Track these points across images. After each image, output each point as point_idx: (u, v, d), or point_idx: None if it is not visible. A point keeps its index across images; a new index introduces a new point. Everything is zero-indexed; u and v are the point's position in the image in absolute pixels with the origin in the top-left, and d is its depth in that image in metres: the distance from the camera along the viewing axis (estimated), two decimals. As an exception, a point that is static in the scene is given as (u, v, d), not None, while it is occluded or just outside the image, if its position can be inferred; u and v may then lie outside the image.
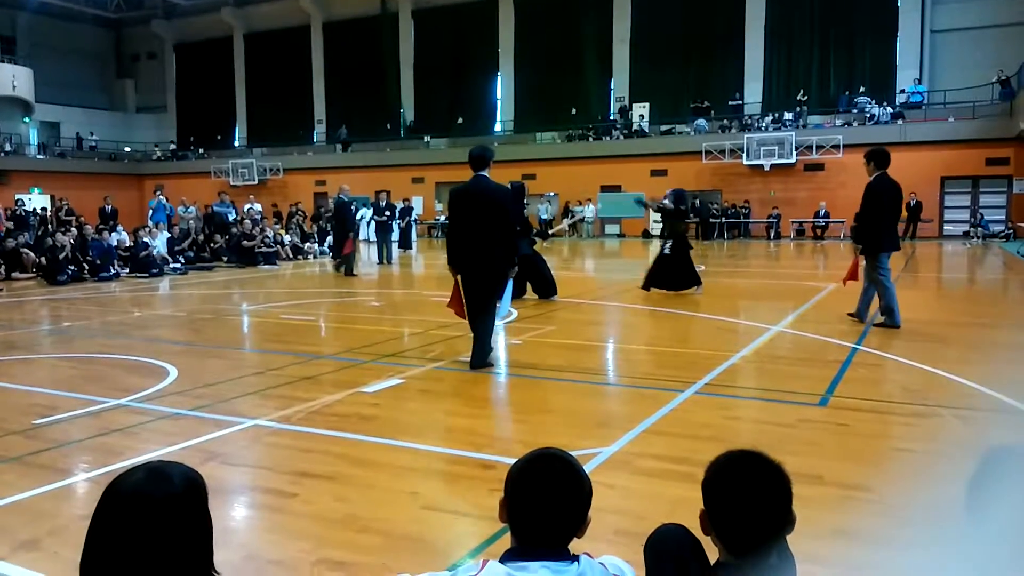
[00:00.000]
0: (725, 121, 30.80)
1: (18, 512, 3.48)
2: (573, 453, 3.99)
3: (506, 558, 1.72)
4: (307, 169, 37.07)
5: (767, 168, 28.67)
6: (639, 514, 3.33)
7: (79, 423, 4.92)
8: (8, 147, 35.90)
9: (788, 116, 29.62)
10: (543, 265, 11.22)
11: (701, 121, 30.83)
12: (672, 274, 11.44)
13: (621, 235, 31.19)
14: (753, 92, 31.15)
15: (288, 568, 2.92)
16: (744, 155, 28.60)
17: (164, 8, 41.81)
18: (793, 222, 28.40)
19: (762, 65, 30.92)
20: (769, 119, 30.04)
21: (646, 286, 11.34)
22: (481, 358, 6.29)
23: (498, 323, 7.09)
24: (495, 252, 6.26)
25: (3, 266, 16.03)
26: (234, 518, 3.46)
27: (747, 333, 8.11)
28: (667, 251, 11.47)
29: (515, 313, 6.66)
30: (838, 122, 28.81)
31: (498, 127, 36.29)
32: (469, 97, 36.46)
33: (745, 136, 28.75)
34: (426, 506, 3.50)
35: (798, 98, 29.87)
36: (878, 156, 8.08)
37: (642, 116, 32.18)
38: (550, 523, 1.72)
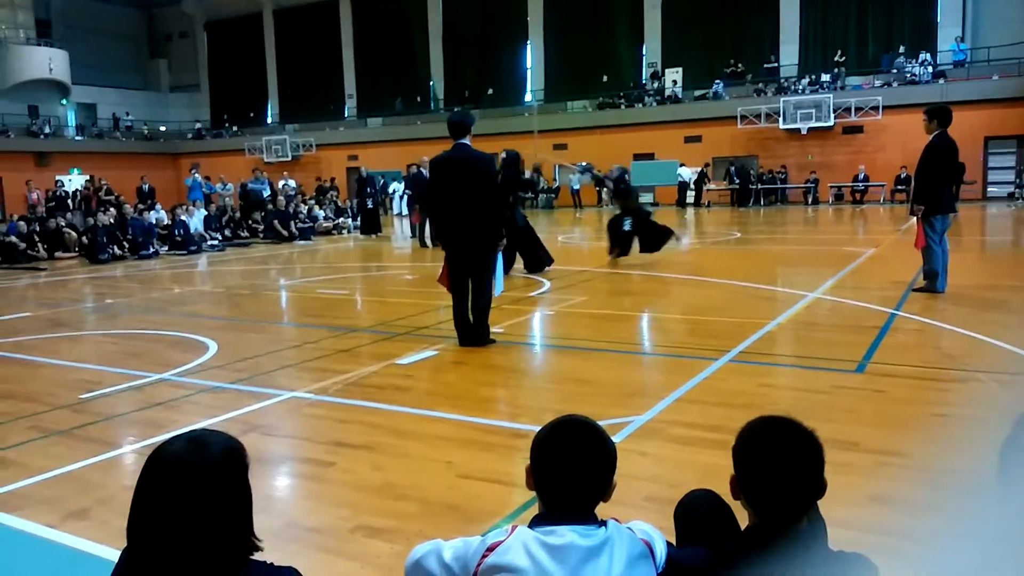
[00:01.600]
0: (760, 85, 30.20)
1: (67, 483, 3.60)
2: (606, 422, 4.02)
3: (534, 523, 1.75)
4: (339, 144, 37.22)
5: (804, 132, 28.12)
6: (670, 481, 3.34)
7: (124, 397, 5.06)
8: (47, 129, 36.55)
9: (825, 78, 28.95)
10: (534, 238, 10.85)
11: (719, 83, 30.29)
12: (642, 239, 11.52)
13: (655, 204, 30.86)
14: (789, 54, 30.48)
15: (327, 534, 2.99)
16: (780, 119, 28.07)
17: (195, -13, 42.01)
18: (831, 186, 27.87)
19: (798, 26, 30.19)
20: (805, 81, 29.41)
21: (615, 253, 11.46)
22: (481, 335, 6.11)
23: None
24: (481, 223, 5.99)
25: (46, 246, 16.41)
26: (274, 487, 3.55)
27: (783, 300, 8.03)
28: (627, 227, 11.45)
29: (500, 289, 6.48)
30: (877, 83, 28.09)
31: (528, 97, 36.02)
32: (499, 68, 36.20)
33: (781, 99, 28.20)
34: (461, 474, 3.55)
35: (835, 59, 29.17)
36: (941, 113, 7.77)
37: (675, 82, 31.69)
38: (576, 488, 1.73)
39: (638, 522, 1.89)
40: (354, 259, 14.54)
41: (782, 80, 30.15)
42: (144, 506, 1.51)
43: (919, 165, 7.84)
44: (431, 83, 36.93)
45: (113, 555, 2.82)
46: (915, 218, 7.89)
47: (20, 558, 2.93)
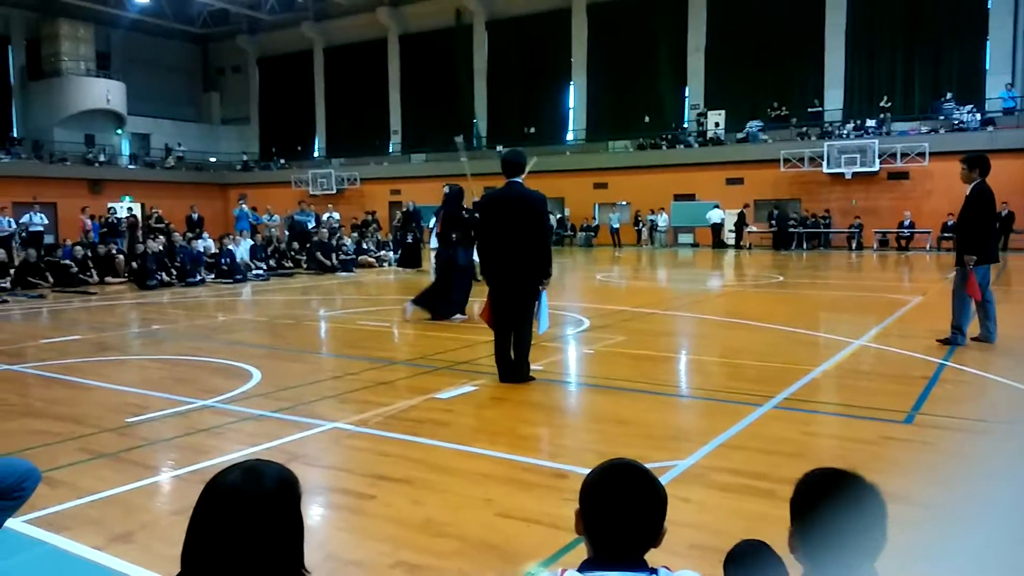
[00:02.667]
0: (804, 128, 30.08)
1: (113, 505, 3.66)
2: (647, 465, 3.97)
3: (583, 568, 1.73)
4: (383, 179, 37.81)
5: (848, 176, 27.85)
6: (715, 529, 3.28)
7: (168, 422, 5.14)
8: (102, 157, 37.74)
9: (871, 123, 28.72)
10: (460, 285, 10.24)
11: (754, 123, 30.25)
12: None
13: (695, 244, 30.76)
14: (833, 99, 30.35)
15: (366, 569, 2.99)
16: (824, 163, 27.86)
17: (248, 23, 43.35)
18: (876, 232, 27.46)
19: (843, 71, 30.10)
20: (851, 126, 29.20)
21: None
22: (522, 373, 6.10)
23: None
24: (527, 262, 6.03)
25: (98, 270, 16.84)
26: (314, 517, 3.56)
27: (827, 346, 7.90)
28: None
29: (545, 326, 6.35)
30: (924, 129, 27.78)
31: (570, 136, 36.30)
32: (541, 106, 36.61)
33: (825, 144, 28.00)
34: (500, 513, 3.53)
35: (881, 104, 28.96)
36: (983, 162, 7.64)
37: (717, 124, 31.72)
38: (627, 533, 1.71)
39: (688, 571, 1.85)
40: (393, 291, 14.66)
41: (826, 124, 29.99)
42: (200, 534, 1.53)
43: (966, 214, 7.65)
44: (474, 121, 37.43)
45: (157, 580, 2.86)
46: (962, 269, 7.68)
47: (67, 579, 2.97)
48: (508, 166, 6.17)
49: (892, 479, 3.79)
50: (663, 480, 3.81)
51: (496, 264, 6.12)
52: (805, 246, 28.26)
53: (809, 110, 30.56)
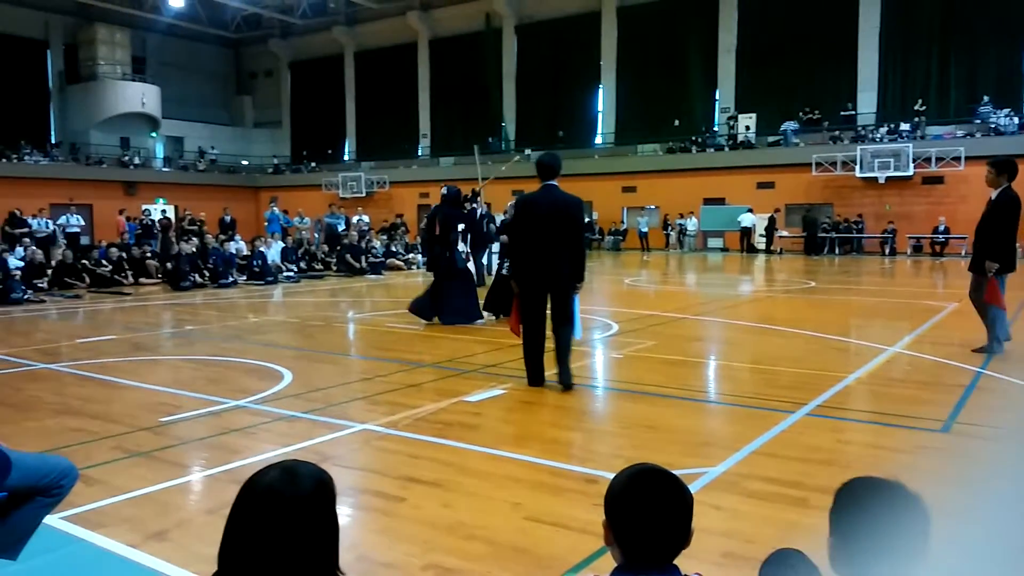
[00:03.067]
0: (837, 132, 29.73)
1: (148, 504, 3.70)
2: (678, 471, 3.93)
3: (616, 573, 1.72)
4: (411, 182, 38.00)
5: (882, 181, 27.47)
6: (747, 537, 3.25)
7: (202, 422, 5.20)
8: (137, 160, 38.37)
9: (905, 127, 28.31)
10: (454, 290, 10.06)
11: (790, 123, 29.92)
12: (510, 297, 10.65)
13: (724, 249, 30.51)
14: (867, 102, 29.95)
15: (398, 570, 2.99)
16: (857, 167, 27.51)
17: (280, 28, 43.85)
18: (910, 238, 27.06)
19: (876, 74, 29.69)
20: (884, 130, 28.80)
21: (487, 308, 10.38)
22: (570, 375, 6.06)
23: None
24: (564, 266, 6.00)
25: (132, 271, 17.12)
26: (346, 518, 3.58)
27: (860, 353, 7.79)
28: (505, 272, 10.45)
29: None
30: (959, 133, 27.32)
31: (599, 139, 36.23)
32: (570, 109, 36.58)
33: (858, 148, 27.63)
34: (529, 517, 3.52)
35: (915, 108, 28.52)
36: (1012, 167, 7.44)
37: (748, 127, 31.46)
38: (658, 539, 1.70)
39: None
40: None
41: (859, 128, 29.60)
42: (237, 533, 1.54)
43: (993, 220, 7.36)
44: (503, 124, 37.49)
45: (191, 579, 2.89)
46: (979, 276, 7.43)
47: (104, 576, 3.01)
48: (544, 169, 6.12)
49: (930, 490, 3.72)
50: (694, 487, 3.80)
51: (531, 268, 6.05)
52: (837, 251, 27.92)
53: (842, 113, 30.20)
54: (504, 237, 11.17)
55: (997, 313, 7.36)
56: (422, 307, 10.12)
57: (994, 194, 7.44)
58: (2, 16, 35.33)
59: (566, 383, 6.00)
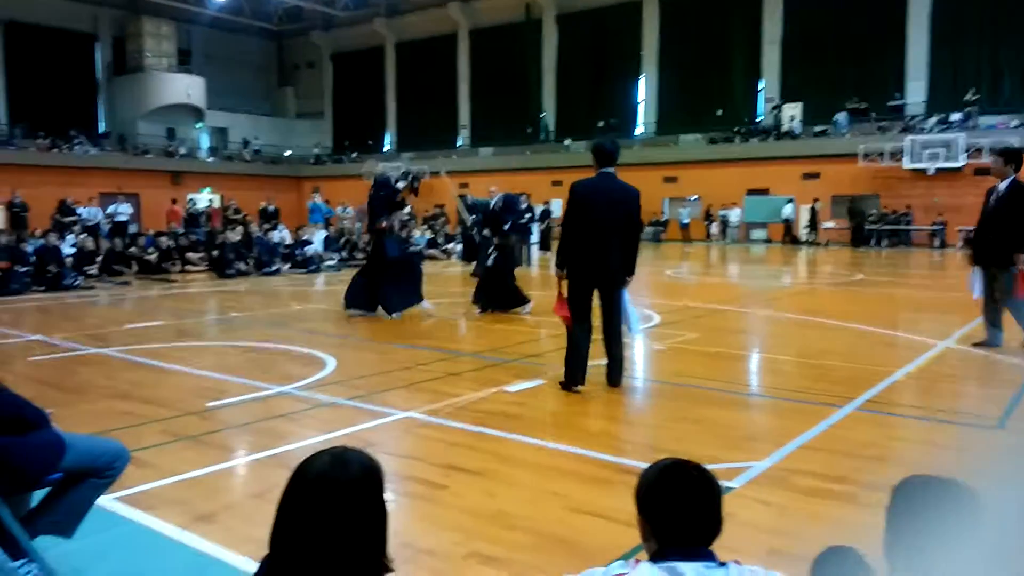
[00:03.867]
0: (884, 122, 29.06)
1: (196, 486, 3.77)
2: (722, 466, 3.91)
3: (656, 559, 1.73)
4: (451, 172, 38.09)
5: (931, 172, 26.77)
6: (795, 533, 3.19)
7: (247, 407, 5.27)
8: (183, 150, 39.07)
9: (955, 117, 27.54)
10: (391, 276, 9.85)
11: (841, 115, 29.29)
12: (496, 291, 10.23)
13: (768, 240, 30.07)
14: (916, 91, 29.19)
15: (440, 558, 3.00)
16: (906, 158, 26.85)
17: (322, 20, 44.21)
18: (960, 230, 26.30)
19: (926, 63, 28.90)
20: (934, 120, 28.05)
21: (476, 302, 10.30)
22: (621, 372, 5.82)
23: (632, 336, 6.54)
24: (617, 260, 5.67)
25: (179, 259, 17.45)
26: (389, 505, 3.57)
27: (910, 348, 7.60)
28: (490, 263, 10.44)
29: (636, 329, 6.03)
30: (1013, 123, 26.49)
31: (640, 129, 35.92)
32: (611, 100, 36.27)
33: (908, 138, 26.96)
34: (572, 508, 3.50)
35: (967, 97, 27.72)
36: (1019, 156, 7.22)
37: (793, 117, 30.89)
38: (691, 525, 1.75)
39: (759, 568, 1.81)
40: (459, 284, 14.73)
41: (908, 118, 28.88)
42: (288, 517, 1.56)
43: (1012, 213, 7.04)
44: (542, 114, 37.36)
45: (238, 560, 2.93)
46: (1002, 272, 7.13)
47: (155, 557, 3.06)
48: (602, 155, 5.75)
49: (986, 489, 3.62)
50: (740, 481, 3.75)
51: (584, 261, 5.66)
52: (885, 243, 27.33)
53: (889, 103, 29.48)
54: (487, 231, 11.04)
55: (1022, 305, 7.12)
56: (355, 298, 9.93)
57: (1002, 185, 7.20)
58: (53, 10, 36.19)
59: (616, 381, 5.76)
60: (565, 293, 5.83)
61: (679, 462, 1.86)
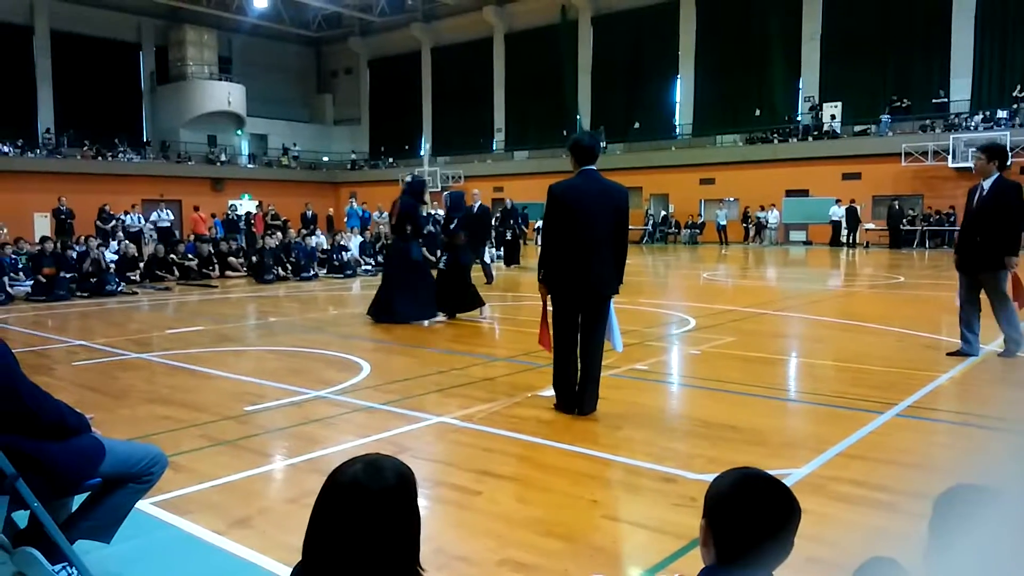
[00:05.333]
0: (927, 121, 28.46)
1: (233, 491, 3.81)
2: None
3: (707, 571, 1.66)
4: (486, 176, 38.23)
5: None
6: (833, 542, 3.12)
7: (284, 411, 5.33)
8: (224, 157, 39.77)
9: (1002, 114, 26.87)
10: (409, 285, 9.53)
11: (885, 117, 28.73)
12: (450, 296, 9.87)
13: (807, 242, 29.63)
14: (960, 88, 28.55)
15: (474, 564, 2.99)
16: (950, 157, 26.26)
17: (360, 26, 44.71)
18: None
19: (971, 59, 28.24)
20: (979, 118, 27.40)
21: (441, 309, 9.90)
22: (595, 399, 5.18)
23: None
24: (606, 268, 5.06)
25: (218, 264, 17.74)
26: (423, 511, 3.58)
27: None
28: (442, 267, 10.14)
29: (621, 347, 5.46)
30: (1063, 120, 25.81)
31: (676, 131, 35.66)
32: (646, 101, 36.11)
33: (952, 136, 26.38)
34: (607, 515, 3.48)
35: (1014, 94, 27.03)
36: (1002, 152, 6.98)
37: (833, 116, 30.41)
38: (762, 550, 1.61)
39: None
40: (494, 288, 14.75)
41: (952, 116, 28.25)
42: (321, 524, 1.56)
43: (1005, 212, 6.74)
44: (577, 116, 37.32)
45: (273, 566, 2.96)
46: (994, 274, 6.90)
47: (191, 562, 3.11)
48: (581, 152, 5.08)
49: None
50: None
51: (569, 270, 5.04)
52: (928, 244, 26.75)
53: (933, 101, 28.88)
54: (430, 228, 10.89)
55: (1013, 311, 6.89)
56: (378, 308, 9.67)
57: (987, 183, 6.91)
58: (100, 21, 37.15)
59: (588, 409, 5.13)
60: (550, 315, 5.29)
61: (760, 475, 1.70)
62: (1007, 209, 6.74)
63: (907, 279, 15.51)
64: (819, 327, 9.43)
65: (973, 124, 27.35)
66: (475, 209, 14.01)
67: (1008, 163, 7.08)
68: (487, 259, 15.71)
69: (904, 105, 29.24)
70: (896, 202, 27.22)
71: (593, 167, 5.12)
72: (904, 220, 26.99)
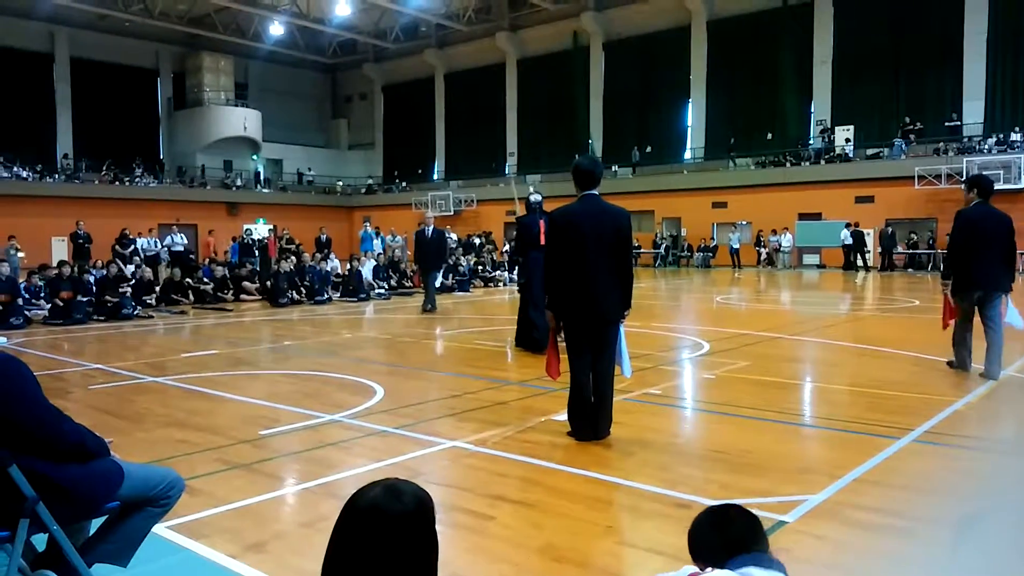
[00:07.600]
0: (940, 144, 28.40)
1: (248, 515, 3.82)
2: (776, 499, 3.81)
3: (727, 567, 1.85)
4: (499, 200, 38.39)
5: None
6: (851, 569, 3.11)
7: (298, 435, 5.34)
8: (239, 181, 40.17)
9: (1015, 137, 26.79)
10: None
11: (899, 141, 28.72)
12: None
13: (821, 266, 29.51)
14: (973, 112, 28.48)
15: (488, 591, 2.99)
16: (963, 180, 26.15)
17: (374, 52, 45.24)
18: (1021, 254, 25.49)
19: (984, 82, 28.19)
20: (992, 140, 27.32)
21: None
22: (608, 424, 5.17)
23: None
24: (613, 293, 5.03)
25: (233, 289, 17.86)
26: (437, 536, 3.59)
27: (971, 377, 7.34)
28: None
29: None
30: (1078, 142, 25.68)
31: (688, 154, 35.74)
32: (658, 125, 36.26)
33: (965, 159, 26.29)
34: (622, 541, 3.47)
35: (1029, 117, 26.99)
36: (981, 182, 7.37)
37: (847, 140, 30.40)
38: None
39: None
40: (507, 311, 14.75)
41: (965, 139, 28.18)
42: (340, 548, 1.57)
43: (1009, 241, 7.27)
44: (589, 140, 37.47)
45: (288, 591, 2.96)
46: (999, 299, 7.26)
47: (206, 585, 3.11)
48: (584, 176, 5.14)
49: (1053, 525, 3.47)
50: (794, 515, 3.66)
51: (576, 297, 5.02)
52: (941, 268, 26.60)
53: (946, 124, 28.82)
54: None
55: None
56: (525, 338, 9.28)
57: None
58: (118, 48, 37.81)
59: (603, 433, 5.12)
60: (561, 342, 5.25)
61: (707, 510, 2.08)
62: (953, 235, 7.42)
63: (921, 302, 15.41)
64: (834, 351, 9.38)
65: (986, 147, 27.27)
66: (428, 233, 14.29)
67: (990, 191, 7.40)
68: (436, 284, 15.56)
69: (916, 128, 29.21)
70: (890, 227, 27.25)
71: (595, 191, 5.14)
72: (896, 245, 27.21)
